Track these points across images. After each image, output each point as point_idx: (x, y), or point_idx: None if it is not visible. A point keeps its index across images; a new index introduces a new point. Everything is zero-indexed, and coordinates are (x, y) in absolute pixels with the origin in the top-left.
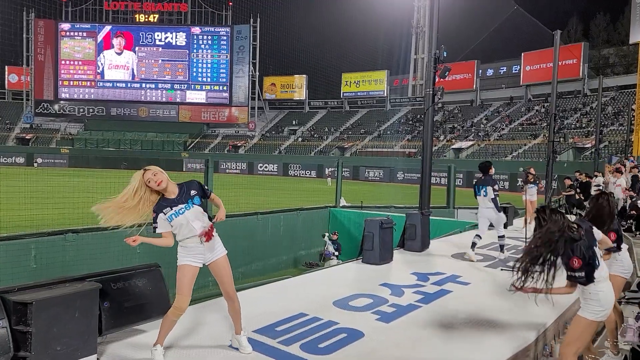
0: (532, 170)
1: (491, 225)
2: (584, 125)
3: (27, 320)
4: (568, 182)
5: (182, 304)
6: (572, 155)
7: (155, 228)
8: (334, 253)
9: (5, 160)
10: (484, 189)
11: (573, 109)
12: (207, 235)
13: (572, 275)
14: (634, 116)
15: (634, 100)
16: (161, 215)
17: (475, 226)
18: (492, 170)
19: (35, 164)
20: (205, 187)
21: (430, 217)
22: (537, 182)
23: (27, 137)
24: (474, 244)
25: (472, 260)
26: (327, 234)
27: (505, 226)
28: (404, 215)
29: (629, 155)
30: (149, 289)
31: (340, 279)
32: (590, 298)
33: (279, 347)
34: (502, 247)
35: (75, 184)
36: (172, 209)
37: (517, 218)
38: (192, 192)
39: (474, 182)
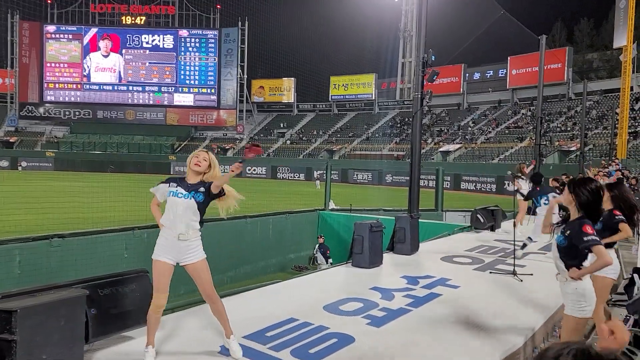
0: (524, 169)
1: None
2: (569, 128)
3: (11, 329)
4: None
5: (160, 301)
6: (558, 158)
7: (154, 187)
8: (325, 261)
9: None
10: (545, 198)
11: (558, 112)
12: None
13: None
14: (617, 120)
15: (617, 104)
16: (165, 185)
17: (463, 229)
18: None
19: (20, 168)
20: (210, 188)
21: (419, 220)
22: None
23: (11, 140)
24: (524, 245)
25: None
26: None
27: (493, 229)
28: (393, 218)
29: (613, 158)
30: (137, 295)
31: (330, 283)
32: (576, 294)
33: (269, 353)
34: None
35: (61, 187)
36: (176, 188)
37: (505, 220)
38: (201, 189)
39: (528, 194)
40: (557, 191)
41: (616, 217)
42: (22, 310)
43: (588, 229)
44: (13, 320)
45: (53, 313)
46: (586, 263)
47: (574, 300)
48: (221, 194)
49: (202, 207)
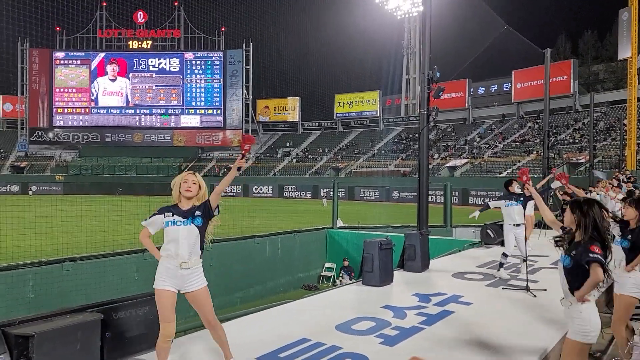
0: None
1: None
2: (576, 140)
3: (28, 354)
4: (565, 197)
5: (168, 331)
6: (567, 171)
7: (145, 220)
8: (349, 278)
9: (0, 189)
10: (510, 204)
11: (565, 125)
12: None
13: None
14: (625, 131)
15: (625, 115)
16: (160, 216)
17: (473, 244)
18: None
19: (30, 192)
20: (211, 207)
21: (429, 237)
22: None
23: (21, 166)
24: (501, 264)
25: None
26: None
27: (504, 244)
28: (403, 235)
29: (623, 169)
30: (151, 317)
31: (342, 302)
32: (581, 318)
33: None
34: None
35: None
36: (172, 217)
37: None
38: (197, 212)
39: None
40: (522, 198)
41: None
42: (39, 335)
43: (596, 248)
44: (30, 345)
45: (69, 337)
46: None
47: (580, 324)
48: (217, 210)
49: (202, 231)
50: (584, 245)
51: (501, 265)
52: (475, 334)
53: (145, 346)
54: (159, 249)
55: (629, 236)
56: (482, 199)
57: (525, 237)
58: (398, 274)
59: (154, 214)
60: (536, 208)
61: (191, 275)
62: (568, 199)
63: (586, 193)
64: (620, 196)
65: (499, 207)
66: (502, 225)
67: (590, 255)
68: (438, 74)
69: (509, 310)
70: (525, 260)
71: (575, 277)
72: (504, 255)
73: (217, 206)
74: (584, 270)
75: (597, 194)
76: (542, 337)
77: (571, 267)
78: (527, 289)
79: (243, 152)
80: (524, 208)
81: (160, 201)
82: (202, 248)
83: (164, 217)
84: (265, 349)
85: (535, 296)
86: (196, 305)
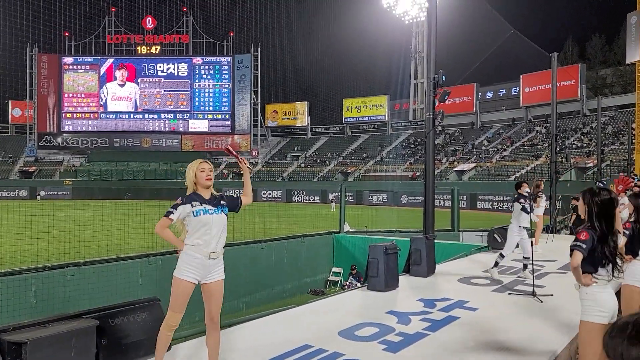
0: (541, 185)
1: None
2: (584, 145)
3: None
4: (575, 202)
5: (175, 321)
6: (575, 175)
7: (170, 212)
8: (356, 285)
9: (8, 194)
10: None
11: (573, 129)
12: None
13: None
14: (634, 135)
15: (633, 119)
16: (187, 206)
17: (480, 249)
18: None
19: (38, 197)
20: (240, 203)
21: (435, 241)
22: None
23: (30, 170)
24: (496, 263)
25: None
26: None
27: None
28: (409, 239)
29: (631, 174)
30: (149, 324)
31: (346, 308)
32: (587, 299)
33: None
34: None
35: (78, 215)
36: (202, 205)
37: None
38: (223, 202)
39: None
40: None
41: None
42: (32, 342)
43: (582, 235)
44: (23, 352)
45: (63, 344)
46: (602, 271)
47: (587, 305)
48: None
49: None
50: (577, 232)
51: (496, 264)
52: (480, 340)
53: (143, 353)
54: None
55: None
56: (490, 203)
57: (532, 242)
58: (404, 279)
59: (178, 204)
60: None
61: (216, 266)
62: (577, 204)
63: None
64: (625, 200)
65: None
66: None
67: (574, 242)
68: (444, 77)
69: (515, 315)
70: (526, 267)
71: (583, 263)
72: (501, 255)
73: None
74: (590, 256)
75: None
76: (550, 341)
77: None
78: (533, 294)
79: (235, 157)
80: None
81: (169, 206)
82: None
83: (192, 206)
84: (267, 355)
85: (541, 301)
86: (211, 298)
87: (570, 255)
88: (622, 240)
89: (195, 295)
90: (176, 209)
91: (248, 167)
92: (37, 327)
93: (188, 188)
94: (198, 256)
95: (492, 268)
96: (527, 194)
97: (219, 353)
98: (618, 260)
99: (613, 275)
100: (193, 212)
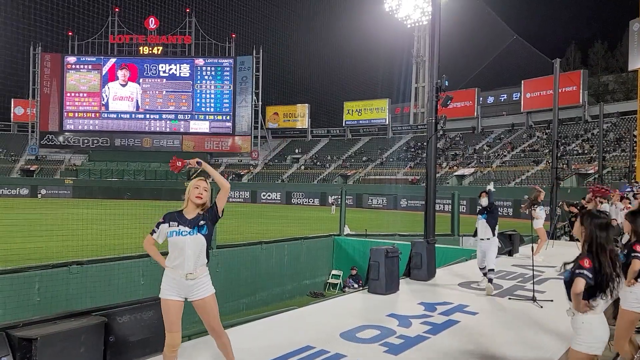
0: (540, 196)
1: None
2: (586, 151)
3: (31, 357)
4: (573, 209)
5: (174, 341)
6: (576, 182)
7: (153, 231)
8: (353, 286)
9: (9, 192)
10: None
11: (574, 135)
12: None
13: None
14: (635, 142)
15: (635, 126)
16: (165, 225)
17: None
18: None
19: (39, 195)
20: (219, 210)
21: (436, 245)
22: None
23: (31, 169)
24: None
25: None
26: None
27: (511, 253)
28: (409, 243)
29: (632, 181)
30: (155, 322)
31: (346, 310)
32: (583, 329)
33: None
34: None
35: (79, 214)
36: (177, 227)
37: (523, 245)
38: (202, 222)
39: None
40: (485, 212)
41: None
42: (42, 338)
43: (585, 262)
44: (33, 348)
45: (72, 341)
46: (597, 298)
47: (582, 335)
48: (222, 213)
49: (208, 240)
50: (577, 258)
51: (490, 281)
52: (480, 344)
53: (149, 351)
54: (164, 255)
55: (625, 250)
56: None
57: (533, 247)
58: (404, 282)
59: (160, 222)
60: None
61: (197, 285)
62: (576, 211)
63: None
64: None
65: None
66: (510, 235)
67: (578, 269)
68: (446, 82)
69: (515, 320)
70: (485, 275)
71: (570, 289)
72: (480, 269)
73: (222, 210)
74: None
75: (612, 204)
76: (548, 347)
77: (568, 280)
78: (533, 299)
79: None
80: (489, 223)
81: (168, 206)
82: (207, 256)
83: (169, 226)
84: (268, 356)
85: (541, 307)
86: (202, 313)
87: (571, 282)
88: (638, 264)
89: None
90: (158, 228)
91: (198, 163)
92: (46, 323)
93: (183, 203)
94: (176, 277)
95: (487, 283)
96: (483, 206)
97: (232, 352)
98: (614, 282)
99: (611, 297)
100: (168, 232)
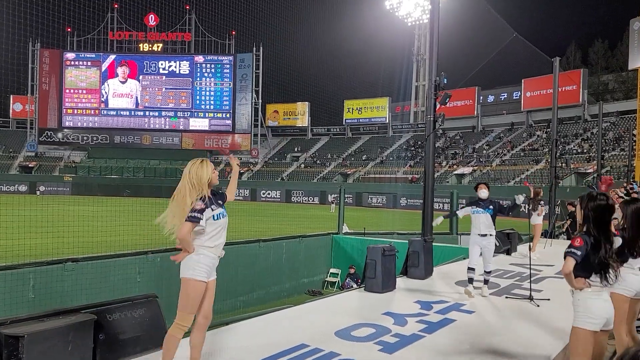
0: (540, 193)
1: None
2: (585, 150)
3: (18, 355)
4: (571, 208)
5: (189, 322)
6: (575, 181)
7: (197, 218)
8: (351, 286)
9: (8, 188)
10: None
11: (574, 134)
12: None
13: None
14: (635, 141)
15: (634, 125)
16: (209, 210)
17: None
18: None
19: (38, 192)
20: (227, 197)
21: (433, 244)
22: (537, 204)
23: (30, 165)
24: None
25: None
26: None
27: (509, 252)
28: (407, 241)
29: (631, 180)
30: (146, 320)
31: (342, 308)
32: (579, 305)
33: None
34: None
35: (77, 211)
36: (218, 208)
37: (521, 244)
38: (220, 202)
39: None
40: (491, 206)
41: None
42: (30, 335)
43: (576, 241)
44: (20, 346)
45: (60, 339)
46: (595, 277)
47: (578, 312)
48: None
49: None
50: (572, 238)
51: (470, 280)
52: (476, 343)
53: (140, 349)
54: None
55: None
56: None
57: (531, 247)
58: (401, 281)
59: (202, 209)
60: (545, 218)
61: (217, 265)
62: (573, 209)
63: None
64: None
65: (468, 214)
66: (508, 234)
67: (568, 248)
68: (445, 80)
69: (511, 319)
70: (471, 280)
71: (577, 268)
72: (470, 269)
73: None
74: (583, 262)
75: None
76: (545, 346)
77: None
78: (530, 298)
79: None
80: (493, 217)
81: (167, 204)
82: None
83: (212, 210)
84: (262, 354)
85: (538, 305)
86: (211, 296)
87: (602, 268)
88: (617, 242)
89: None
90: (202, 214)
91: (238, 166)
92: (34, 321)
93: (196, 189)
94: (214, 257)
95: (467, 286)
96: (485, 199)
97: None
98: (612, 266)
99: (607, 281)
100: (213, 215)
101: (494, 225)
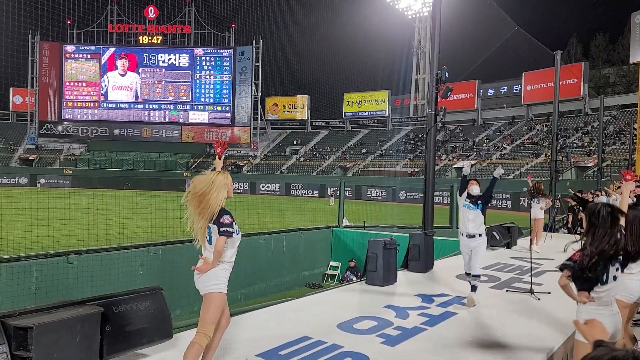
0: (541, 186)
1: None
2: (585, 144)
3: (27, 346)
4: (571, 201)
5: (213, 331)
6: (575, 174)
7: (230, 232)
8: (351, 279)
9: (8, 181)
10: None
11: (574, 128)
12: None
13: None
14: (635, 135)
15: (635, 119)
16: (234, 224)
17: None
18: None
19: (39, 185)
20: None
21: (434, 237)
22: (540, 197)
23: (30, 158)
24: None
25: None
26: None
27: (509, 246)
28: (407, 235)
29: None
30: (152, 312)
31: (344, 301)
32: (579, 318)
33: None
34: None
35: (78, 204)
36: (235, 224)
37: (521, 238)
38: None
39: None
40: (480, 202)
41: None
42: (38, 327)
43: (575, 255)
44: (29, 337)
45: (68, 330)
46: (600, 288)
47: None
48: None
49: None
50: (573, 253)
51: (473, 288)
52: (477, 336)
53: (146, 340)
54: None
55: None
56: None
57: (531, 240)
58: (402, 274)
59: (231, 222)
60: (546, 212)
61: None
62: (573, 203)
63: (593, 197)
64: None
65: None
66: (508, 228)
67: (565, 261)
68: (446, 73)
69: (512, 312)
70: (470, 277)
71: (578, 280)
72: (467, 275)
73: None
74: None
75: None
76: (546, 338)
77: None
78: (531, 291)
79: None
80: (483, 212)
81: (168, 197)
82: None
83: (235, 224)
84: (265, 347)
85: (539, 299)
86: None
87: (600, 280)
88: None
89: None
90: (233, 227)
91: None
92: (42, 312)
93: (217, 204)
94: (229, 268)
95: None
96: (476, 195)
97: None
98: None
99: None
100: (235, 230)
101: (484, 221)
